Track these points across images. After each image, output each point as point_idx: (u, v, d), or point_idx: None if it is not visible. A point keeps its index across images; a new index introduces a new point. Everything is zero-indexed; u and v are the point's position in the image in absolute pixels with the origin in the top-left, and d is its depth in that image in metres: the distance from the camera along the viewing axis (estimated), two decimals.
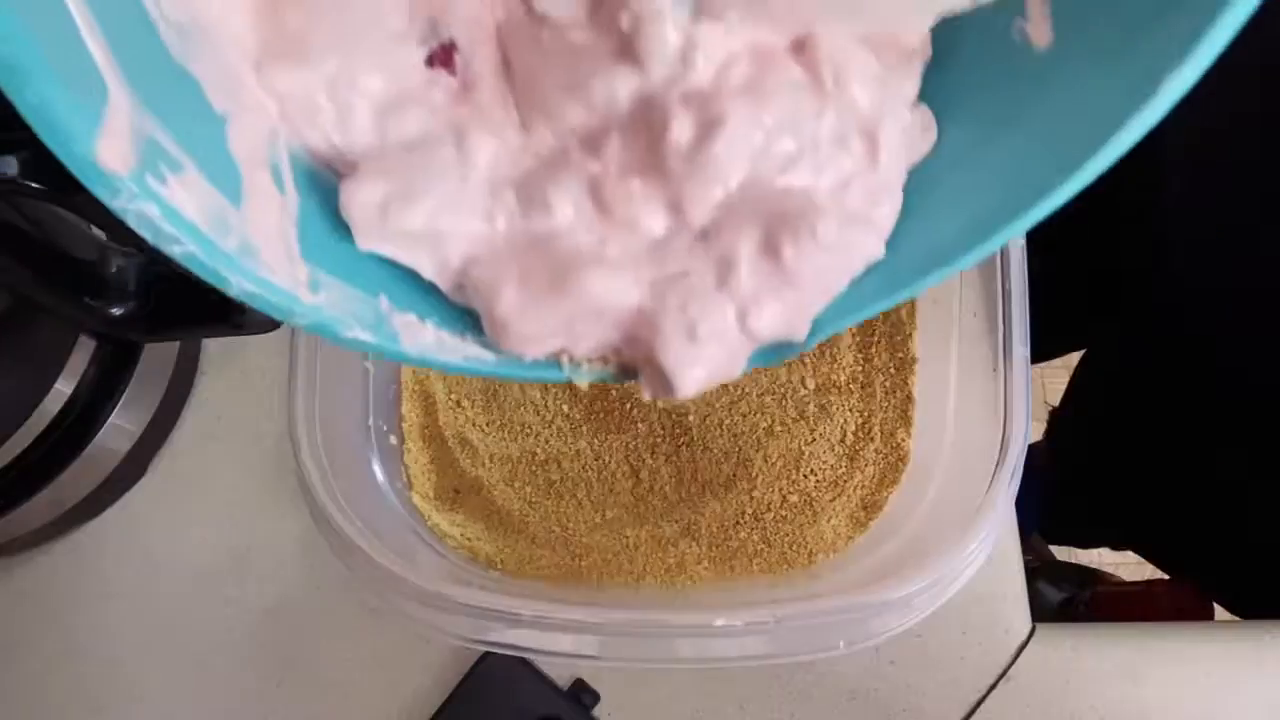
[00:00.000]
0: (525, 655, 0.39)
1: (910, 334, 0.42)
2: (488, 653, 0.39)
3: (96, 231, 0.35)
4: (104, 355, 0.41)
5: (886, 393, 0.42)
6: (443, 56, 0.19)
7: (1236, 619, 0.59)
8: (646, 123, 0.19)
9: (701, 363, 0.19)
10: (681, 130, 0.18)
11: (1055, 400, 0.75)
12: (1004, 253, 0.36)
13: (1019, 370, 0.35)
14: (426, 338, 0.20)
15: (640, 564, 0.40)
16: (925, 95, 0.20)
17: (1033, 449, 0.40)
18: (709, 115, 0.18)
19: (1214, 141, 0.46)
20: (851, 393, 0.42)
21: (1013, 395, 0.35)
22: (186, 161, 0.16)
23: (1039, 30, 0.19)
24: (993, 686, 0.40)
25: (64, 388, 0.40)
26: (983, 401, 0.36)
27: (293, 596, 0.43)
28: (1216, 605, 0.62)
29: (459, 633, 0.33)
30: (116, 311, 0.34)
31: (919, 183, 0.20)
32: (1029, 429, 0.34)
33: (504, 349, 0.20)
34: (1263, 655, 0.40)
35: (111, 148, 0.14)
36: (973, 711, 0.40)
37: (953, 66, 0.20)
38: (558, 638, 0.33)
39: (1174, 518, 0.62)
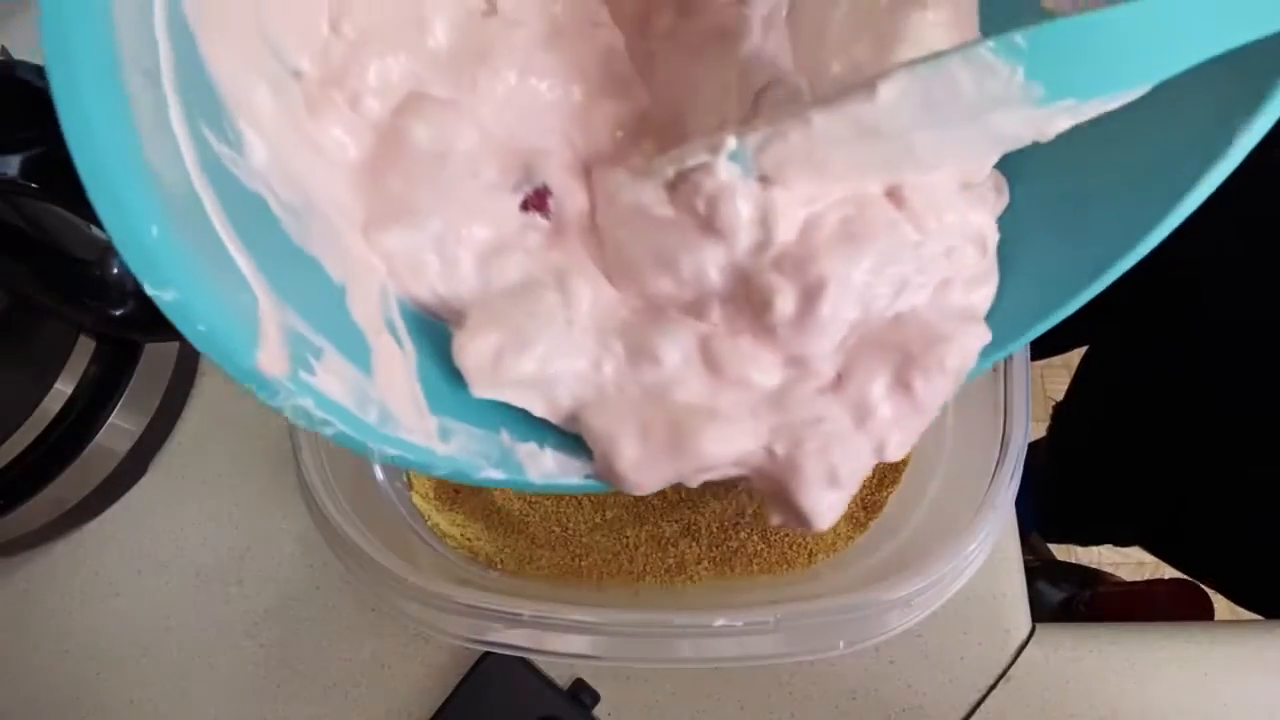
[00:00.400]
0: (525, 655, 0.39)
1: None
2: (488, 653, 0.39)
3: (96, 231, 0.35)
4: (104, 355, 0.41)
5: None
6: (536, 200, 0.20)
7: (1236, 619, 0.59)
8: (746, 297, 0.19)
9: (840, 497, 0.20)
10: (785, 304, 0.18)
11: (1057, 397, 0.75)
12: None
13: (1019, 370, 0.35)
14: (547, 464, 0.21)
15: (640, 564, 0.40)
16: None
17: (1033, 446, 0.40)
18: (809, 280, 0.18)
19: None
20: None
21: (1013, 395, 0.35)
22: (324, 344, 0.16)
23: None
24: (993, 686, 0.40)
25: (64, 388, 0.40)
26: (983, 401, 0.36)
27: (293, 596, 0.43)
28: (1216, 606, 0.62)
29: (459, 633, 0.33)
30: (116, 311, 0.34)
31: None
32: (1029, 428, 0.34)
33: (618, 489, 0.20)
34: (1263, 655, 0.40)
35: (269, 354, 0.15)
36: (973, 711, 0.40)
37: None
38: (558, 638, 0.33)
39: (1178, 513, 0.62)
